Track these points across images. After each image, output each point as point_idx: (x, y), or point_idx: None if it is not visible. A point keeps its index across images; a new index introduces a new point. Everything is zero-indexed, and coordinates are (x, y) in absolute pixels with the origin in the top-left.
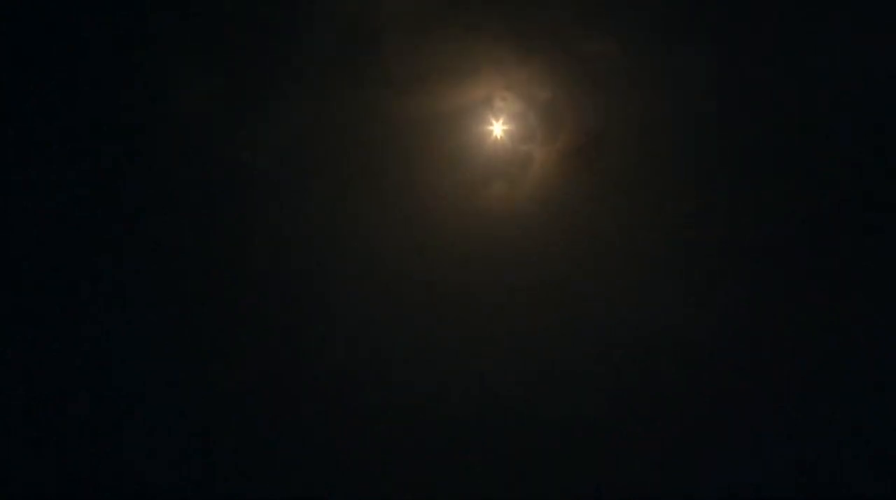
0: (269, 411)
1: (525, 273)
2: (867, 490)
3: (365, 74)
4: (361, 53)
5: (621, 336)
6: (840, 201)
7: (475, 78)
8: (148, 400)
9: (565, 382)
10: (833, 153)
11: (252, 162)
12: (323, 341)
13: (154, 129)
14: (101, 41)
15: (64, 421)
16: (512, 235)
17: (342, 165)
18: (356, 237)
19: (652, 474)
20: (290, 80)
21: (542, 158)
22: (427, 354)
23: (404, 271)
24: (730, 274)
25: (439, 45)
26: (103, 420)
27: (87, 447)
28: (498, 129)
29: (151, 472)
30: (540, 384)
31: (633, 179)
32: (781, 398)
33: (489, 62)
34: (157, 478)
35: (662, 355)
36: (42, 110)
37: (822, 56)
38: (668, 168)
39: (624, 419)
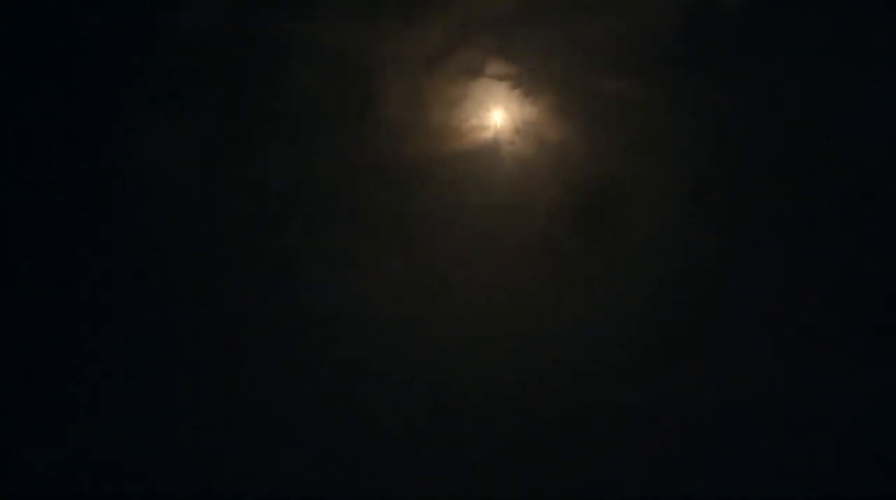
0: (269, 411)
1: (525, 273)
2: (867, 490)
3: (368, 118)
4: (364, 97)
5: (622, 336)
6: (840, 201)
7: (482, 120)
8: (147, 400)
9: (566, 382)
10: (833, 153)
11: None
12: (323, 341)
13: (154, 130)
14: (102, 41)
15: (63, 421)
16: (512, 236)
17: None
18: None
19: (652, 474)
20: (287, 122)
21: (549, 204)
22: (427, 354)
23: (405, 271)
24: (730, 274)
25: (441, 85)
26: (103, 420)
27: (87, 446)
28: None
29: (152, 472)
30: (540, 384)
31: (634, 179)
32: (781, 399)
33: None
34: (156, 478)
35: (662, 355)
36: (42, 110)
37: (822, 57)
38: (669, 169)
39: (624, 419)
